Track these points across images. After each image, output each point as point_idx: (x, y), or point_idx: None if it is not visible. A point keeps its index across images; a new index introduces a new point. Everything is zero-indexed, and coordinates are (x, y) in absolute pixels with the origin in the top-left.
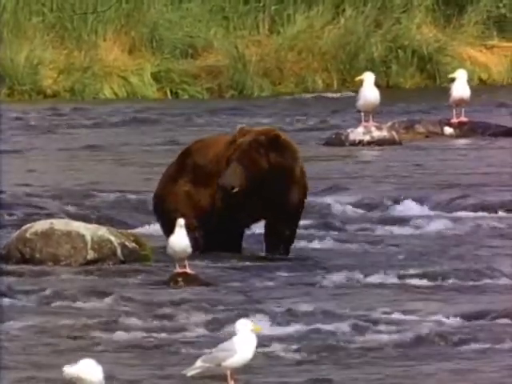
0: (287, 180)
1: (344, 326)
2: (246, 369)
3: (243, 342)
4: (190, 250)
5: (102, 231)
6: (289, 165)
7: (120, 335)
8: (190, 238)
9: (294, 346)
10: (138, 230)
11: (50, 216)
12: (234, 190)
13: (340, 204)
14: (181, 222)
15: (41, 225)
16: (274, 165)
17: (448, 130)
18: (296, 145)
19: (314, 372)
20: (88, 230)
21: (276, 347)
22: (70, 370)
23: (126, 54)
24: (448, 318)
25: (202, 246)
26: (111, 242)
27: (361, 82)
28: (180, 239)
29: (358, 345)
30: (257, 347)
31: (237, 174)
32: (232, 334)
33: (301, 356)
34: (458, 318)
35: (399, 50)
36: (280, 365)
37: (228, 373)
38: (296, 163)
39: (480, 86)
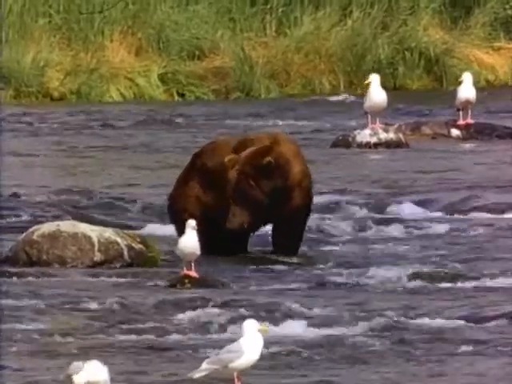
0: (283, 192)
1: (347, 327)
2: (251, 370)
3: (250, 343)
4: (198, 251)
5: (109, 233)
6: (281, 183)
7: (126, 337)
8: (199, 240)
9: (300, 347)
10: (145, 232)
11: (56, 218)
12: (246, 226)
13: (347, 205)
14: (191, 223)
15: (47, 227)
16: (268, 191)
17: (454, 132)
18: (291, 149)
19: (319, 373)
20: (94, 232)
21: (281, 348)
22: (78, 379)
23: (132, 56)
24: (450, 318)
25: (209, 247)
26: (118, 243)
27: (366, 85)
28: (190, 241)
29: (361, 345)
30: (263, 348)
31: (238, 215)
32: (239, 335)
33: (306, 357)
34: (461, 319)
35: (406, 52)
36: (285, 366)
37: (235, 374)
38: (287, 174)
39: (487, 88)
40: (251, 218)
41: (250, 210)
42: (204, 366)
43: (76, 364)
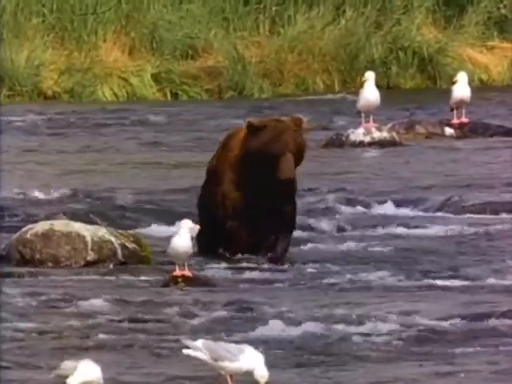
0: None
1: (344, 327)
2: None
3: (250, 356)
4: (190, 251)
5: (102, 232)
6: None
7: (119, 336)
8: (196, 239)
9: (295, 348)
10: (139, 231)
11: (50, 217)
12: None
13: (340, 204)
14: (184, 223)
15: (41, 226)
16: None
17: (448, 131)
18: None
19: (315, 373)
20: (88, 231)
21: (276, 349)
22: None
23: (126, 55)
24: (448, 318)
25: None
26: (111, 242)
27: (361, 84)
28: (182, 241)
29: (358, 345)
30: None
31: (291, 163)
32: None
33: (301, 357)
34: (458, 319)
35: (399, 51)
36: (280, 366)
37: (228, 375)
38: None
39: (480, 87)
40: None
41: (296, 159)
42: (199, 344)
43: (67, 363)
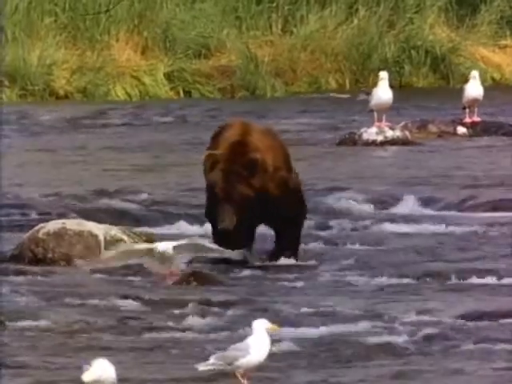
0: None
1: (348, 326)
2: (257, 368)
3: (257, 343)
4: (172, 256)
5: (115, 231)
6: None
7: (132, 335)
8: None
9: (303, 346)
10: (150, 230)
11: (62, 216)
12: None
13: (352, 203)
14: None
15: (53, 225)
16: (258, 187)
17: (461, 130)
18: (262, 140)
19: (320, 372)
20: (100, 230)
21: (286, 347)
22: (87, 376)
23: (138, 54)
24: (451, 317)
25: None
26: (124, 241)
27: (374, 83)
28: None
29: (362, 345)
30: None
31: (228, 215)
32: (243, 333)
33: (308, 356)
34: (462, 318)
35: (412, 50)
36: (290, 364)
37: (241, 372)
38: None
39: (493, 86)
40: (241, 215)
41: (240, 208)
42: (211, 360)
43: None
